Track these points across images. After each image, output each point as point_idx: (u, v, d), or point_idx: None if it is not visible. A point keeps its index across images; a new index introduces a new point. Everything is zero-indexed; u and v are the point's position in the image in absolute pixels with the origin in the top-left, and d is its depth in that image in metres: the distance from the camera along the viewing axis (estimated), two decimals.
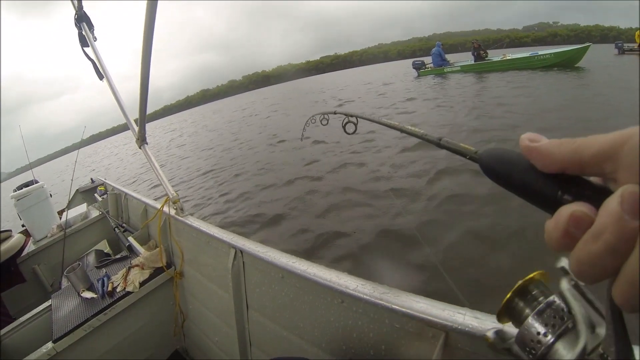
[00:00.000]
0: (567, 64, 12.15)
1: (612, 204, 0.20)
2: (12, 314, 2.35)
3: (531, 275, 0.33)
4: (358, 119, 1.10)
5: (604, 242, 0.20)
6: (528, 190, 0.26)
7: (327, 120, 1.64)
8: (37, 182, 3.60)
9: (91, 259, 2.53)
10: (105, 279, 1.94)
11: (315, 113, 1.80)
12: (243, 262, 1.36)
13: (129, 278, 1.89)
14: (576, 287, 0.29)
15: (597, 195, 0.22)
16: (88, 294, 1.85)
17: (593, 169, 0.22)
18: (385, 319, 0.81)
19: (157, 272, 1.91)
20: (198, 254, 1.74)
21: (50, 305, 1.90)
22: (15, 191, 3.39)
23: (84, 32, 2.10)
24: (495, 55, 14.98)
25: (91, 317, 1.68)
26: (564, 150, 0.23)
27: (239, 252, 1.37)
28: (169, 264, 1.96)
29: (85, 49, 2.13)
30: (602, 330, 0.27)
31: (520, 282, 0.33)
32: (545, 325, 0.30)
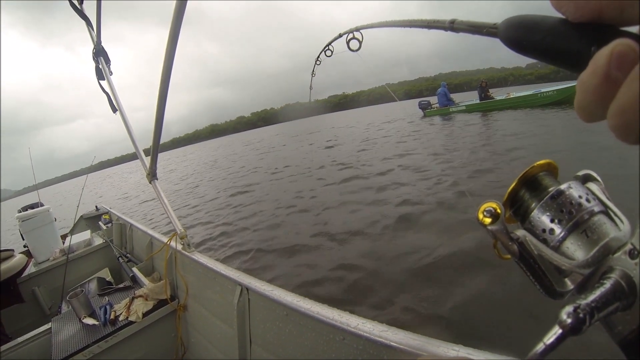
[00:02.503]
0: (570, 100, 11.85)
1: None
2: (9, 334, 2.35)
3: (540, 162, 0.29)
4: (362, 31, 1.04)
5: None
6: (555, 49, 0.23)
7: (332, 52, 1.60)
8: (42, 204, 3.70)
9: (93, 286, 2.58)
10: (107, 307, 1.99)
11: (319, 50, 1.71)
12: (249, 299, 1.44)
13: (132, 308, 1.95)
14: (598, 185, 0.28)
15: (638, 38, 0.19)
16: (90, 321, 1.91)
17: (634, 8, 0.19)
18: (384, 356, 0.89)
19: (160, 304, 1.97)
20: (203, 289, 1.81)
21: (50, 328, 1.94)
22: (21, 212, 3.49)
23: (100, 66, 2.21)
24: (499, 94, 15.03)
25: (92, 343, 1.72)
26: None
27: (245, 289, 1.45)
28: (173, 297, 2.02)
29: (101, 82, 2.23)
30: (625, 228, 0.25)
31: (527, 169, 0.29)
32: (553, 219, 0.26)
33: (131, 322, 1.85)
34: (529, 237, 0.27)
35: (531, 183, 0.29)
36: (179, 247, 1.96)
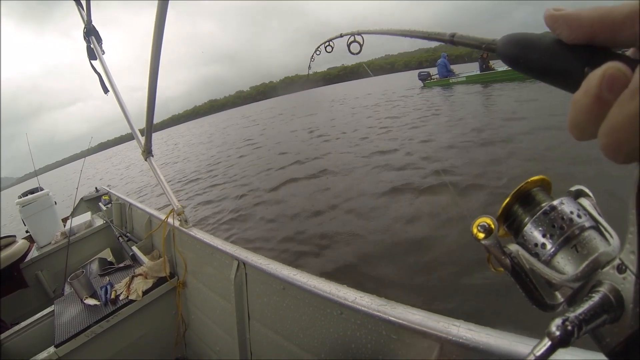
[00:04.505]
0: None
1: None
2: (14, 319, 2.36)
3: (534, 178, 0.30)
4: (363, 36, 1.05)
5: None
6: (550, 68, 0.24)
7: (332, 48, 1.62)
8: (42, 189, 3.66)
9: (94, 266, 2.57)
10: (108, 286, 1.97)
11: (319, 43, 1.74)
12: (245, 273, 1.40)
13: (132, 286, 1.92)
14: (590, 200, 0.28)
15: (629, 62, 0.19)
16: (91, 301, 1.89)
17: (627, 33, 0.20)
18: (383, 330, 0.84)
19: (160, 281, 1.95)
20: (201, 265, 1.78)
21: (53, 310, 1.93)
22: (21, 197, 3.45)
23: (92, 46, 2.14)
24: (500, 66, 14.65)
25: (94, 323, 1.71)
26: (594, 13, 0.21)
27: (242, 264, 1.40)
28: (172, 274, 1.99)
29: (93, 61, 2.17)
30: (614, 243, 0.25)
31: (521, 184, 0.29)
32: (544, 234, 0.27)
33: (132, 301, 1.83)
34: (522, 252, 0.27)
35: (525, 198, 0.29)
36: (177, 223, 1.92)
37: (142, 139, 2.02)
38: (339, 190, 5.22)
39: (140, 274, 1.99)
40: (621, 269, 0.22)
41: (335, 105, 22.08)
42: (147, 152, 2.04)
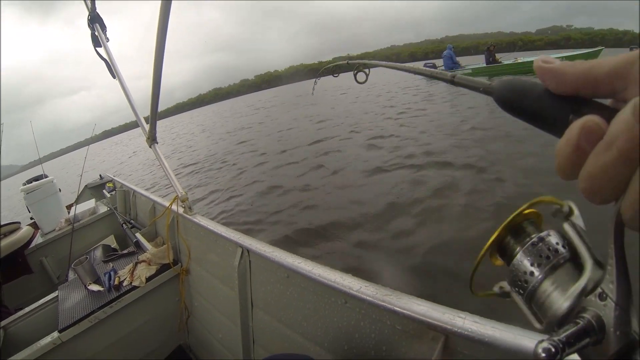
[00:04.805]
0: None
1: (624, 113, 0.20)
2: (19, 304, 2.38)
3: (524, 210, 0.32)
4: (370, 68, 1.10)
5: (617, 149, 0.20)
6: (540, 114, 0.26)
7: (338, 74, 1.62)
8: (46, 176, 3.67)
9: (98, 253, 2.57)
10: (112, 272, 1.98)
11: (327, 65, 1.75)
12: (249, 261, 1.39)
13: (135, 273, 1.92)
14: (576, 229, 0.30)
15: (607, 112, 0.22)
16: (95, 287, 1.89)
17: (606, 88, 0.23)
18: (387, 321, 0.83)
19: (163, 268, 1.95)
20: (205, 252, 1.77)
21: (57, 296, 1.94)
22: (25, 185, 3.46)
23: (96, 33, 2.14)
24: (507, 59, 14.56)
25: (97, 309, 1.71)
26: (578, 69, 0.24)
27: (246, 251, 1.39)
28: (176, 261, 1.99)
29: (97, 49, 2.17)
30: (597, 272, 0.27)
31: (511, 216, 0.32)
32: (533, 263, 0.29)
33: (135, 287, 1.83)
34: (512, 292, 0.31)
35: (516, 230, 0.32)
36: (180, 210, 1.92)
37: (147, 127, 2.01)
38: (332, 169, 5.86)
39: (143, 261, 1.99)
40: (602, 296, 0.25)
41: (337, 95, 22.14)
42: (152, 139, 2.04)
